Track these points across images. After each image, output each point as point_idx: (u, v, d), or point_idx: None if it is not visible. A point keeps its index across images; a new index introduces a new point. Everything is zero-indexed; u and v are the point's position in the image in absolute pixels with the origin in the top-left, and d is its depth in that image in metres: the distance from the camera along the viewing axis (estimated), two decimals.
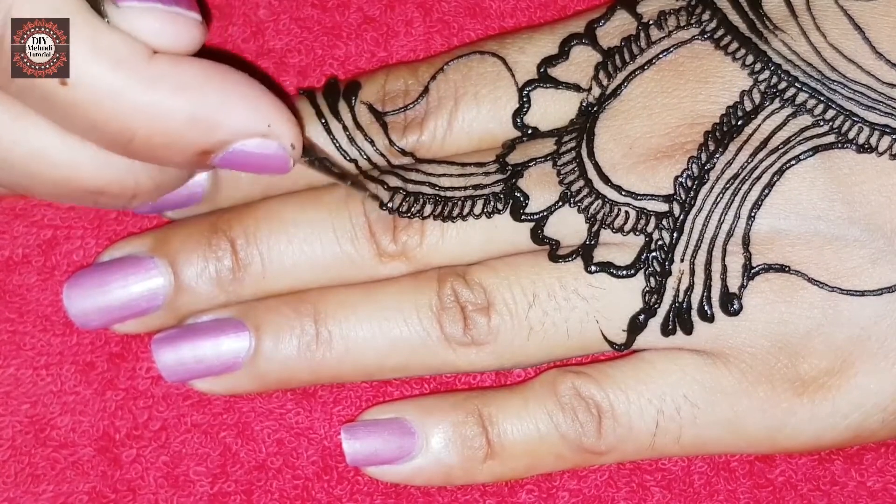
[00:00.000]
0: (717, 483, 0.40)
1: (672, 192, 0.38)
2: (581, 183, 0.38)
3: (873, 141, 0.37)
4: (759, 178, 0.37)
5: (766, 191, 0.37)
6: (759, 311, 0.37)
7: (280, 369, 0.39)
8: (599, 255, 0.38)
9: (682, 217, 0.38)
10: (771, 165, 0.37)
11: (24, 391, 0.40)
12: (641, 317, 0.38)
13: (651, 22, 0.39)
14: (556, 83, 0.39)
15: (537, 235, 0.38)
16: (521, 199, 0.38)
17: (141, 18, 0.32)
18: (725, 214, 0.37)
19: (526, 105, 0.39)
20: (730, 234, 0.37)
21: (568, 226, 0.38)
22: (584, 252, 0.38)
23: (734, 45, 0.38)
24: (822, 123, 0.37)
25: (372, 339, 0.39)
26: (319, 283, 0.39)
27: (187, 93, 0.32)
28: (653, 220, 0.38)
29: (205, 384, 0.40)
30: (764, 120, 0.38)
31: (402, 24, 0.43)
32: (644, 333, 0.38)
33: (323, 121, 0.40)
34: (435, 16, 0.43)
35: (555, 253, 0.38)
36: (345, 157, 0.40)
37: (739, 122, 0.38)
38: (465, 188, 0.39)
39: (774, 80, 0.38)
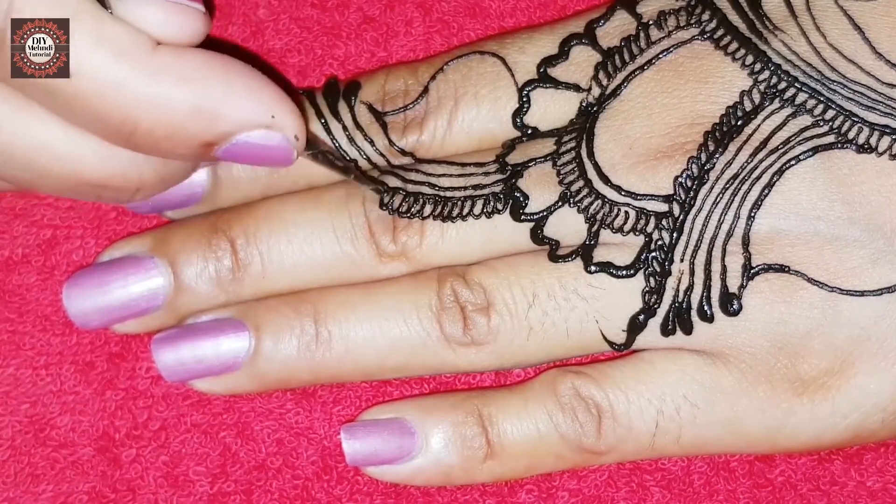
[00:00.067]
0: (716, 483, 0.40)
1: (672, 192, 0.38)
2: (581, 183, 0.38)
3: (873, 141, 0.37)
4: (758, 178, 0.37)
5: (766, 191, 0.37)
6: (758, 311, 0.37)
7: (280, 369, 0.39)
8: (599, 255, 0.38)
9: (681, 217, 0.38)
10: (771, 165, 0.37)
11: (24, 391, 0.40)
12: (641, 317, 0.38)
13: (651, 22, 0.39)
14: (556, 83, 0.39)
15: (537, 235, 0.38)
16: (521, 199, 0.38)
17: (144, 9, 0.32)
18: (725, 214, 0.37)
19: (526, 105, 0.39)
20: (729, 235, 0.37)
21: (568, 226, 0.38)
22: (584, 252, 0.38)
23: (734, 46, 0.38)
24: (821, 123, 0.37)
25: (372, 339, 0.39)
26: (319, 283, 0.39)
27: (190, 84, 0.32)
28: (652, 220, 0.38)
29: (204, 384, 0.40)
30: (764, 120, 0.38)
31: (401, 24, 0.43)
32: (644, 333, 0.38)
33: (322, 121, 0.40)
34: (435, 16, 0.43)
35: (554, 253, 0.38)
36: (345, 157, 0.40)
37: (739, 123, 0.38)
38: (465, 188, 0.39)
39: (774, 80, 0.38)
